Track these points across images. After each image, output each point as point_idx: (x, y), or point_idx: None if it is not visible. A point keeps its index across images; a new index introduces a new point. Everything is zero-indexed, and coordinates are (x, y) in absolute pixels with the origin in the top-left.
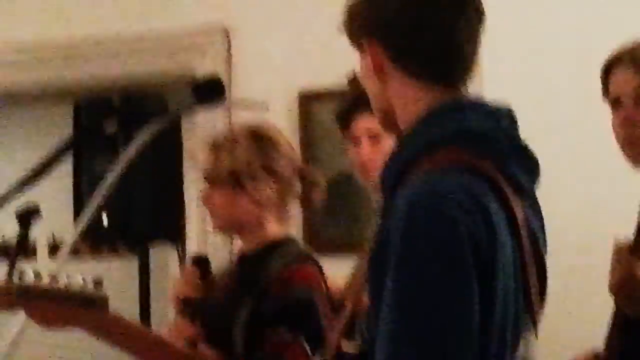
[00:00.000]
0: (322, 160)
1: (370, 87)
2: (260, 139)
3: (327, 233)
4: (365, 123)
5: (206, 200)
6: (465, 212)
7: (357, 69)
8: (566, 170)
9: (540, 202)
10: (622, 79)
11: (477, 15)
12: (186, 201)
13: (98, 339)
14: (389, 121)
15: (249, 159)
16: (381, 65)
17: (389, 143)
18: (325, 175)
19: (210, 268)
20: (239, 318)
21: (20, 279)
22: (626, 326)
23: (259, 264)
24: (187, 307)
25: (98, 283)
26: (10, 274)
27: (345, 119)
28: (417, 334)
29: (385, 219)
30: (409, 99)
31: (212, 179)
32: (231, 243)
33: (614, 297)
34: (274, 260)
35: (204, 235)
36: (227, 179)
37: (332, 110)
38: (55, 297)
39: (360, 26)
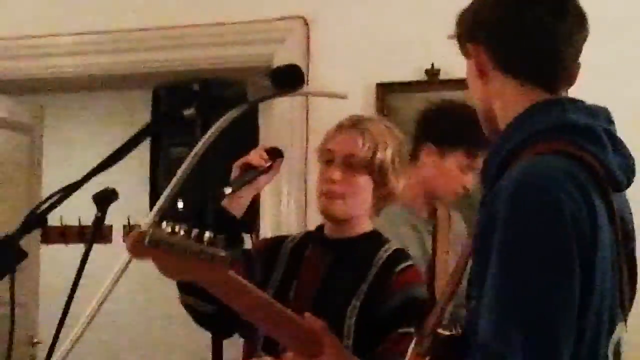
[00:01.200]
0: None
1: (474, 89)
2: (396, 136)
3: None
4: None
5: (345, 183)
6: (570, 198)
7: (434, 60)
8: None
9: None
10: None
11: (578, 22)
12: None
13: (213, 293)
14: (489, 123)
15: (396, 156)
16: (484, 68)
17: None
18: None
19: (282, 158)
20: (352, 305)
21: (154, 227)
22: None
23: (362, 251)
24: (247, 171)
25: (225, 238)
26: (85, 257)
27: None
28: (521, 303)
29: (488, 206)
30: (509, 100)
31: (360, 165)
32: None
33: None
34: (384, 251)
35: (278, 222)
36: (376, 170)
37: (408, 101)
38: (180, 251)
39: (466, 32)
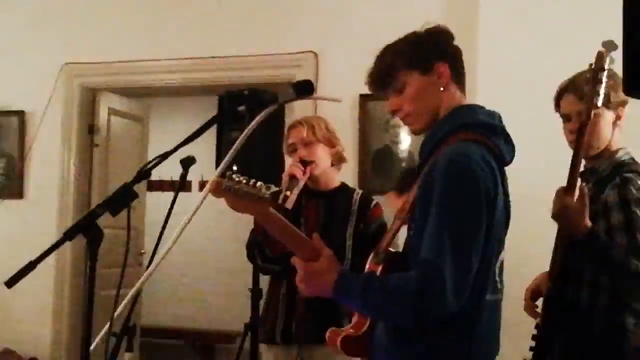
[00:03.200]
0: (372, 137)
1: (434, 97)
2: (323, 119)
3: (374, 182)
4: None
5: (309, 155)
6: (481, 169)
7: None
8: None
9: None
10: (569, 103)
11: None
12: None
13: (259, 222)
14: (432, 120)
15: (328, 128)
16: (447, 80)
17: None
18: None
19: (309, 166)
20: (349, 232)
21: (228, 177)
22: (563, 242)
23: (342, 198)
24: (293, 179)
25: (268, 187)
26: (174, 200)
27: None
28: (453, 233)
29: (425, 174)
30: (451, 101)
31: (312, 139)
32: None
33: (557, 223)
34: (356, 195)
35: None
36: (323, 138)
37: (381, 108)
38: (243, 194)
39: (432, 52)
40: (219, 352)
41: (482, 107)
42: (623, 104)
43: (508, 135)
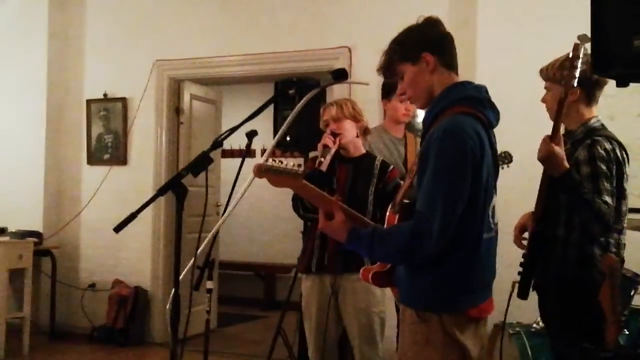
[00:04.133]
0: None
1: (426, 81)
2: (350, 99)
3: None
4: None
5: (338, 128)
6: (470, 138)
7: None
8: (518, 119)
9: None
10: (544, 82)
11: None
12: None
13: (296, 192)
14: (430, 97)
15: (353, 106)
16: (434, 65)
17: None
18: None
19: (339, 136)
20: (370, 190)
21: (265, 162)
22: (549, 181)
23: (366, 163)
24: (325, 147)
25: (299, 165)
26: (241, 164)
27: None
28: (442, 191)
29: (427, 140)
30: (443, 81)
31: (340, 116)
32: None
33: (542, 164)
34: (377, 161)
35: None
36: (349, 114)
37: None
38: (279, 172)
39: (418, 45)
40: (278, 280)
41: (470, 83)
42: (599, 85)
43: (493, 104)
